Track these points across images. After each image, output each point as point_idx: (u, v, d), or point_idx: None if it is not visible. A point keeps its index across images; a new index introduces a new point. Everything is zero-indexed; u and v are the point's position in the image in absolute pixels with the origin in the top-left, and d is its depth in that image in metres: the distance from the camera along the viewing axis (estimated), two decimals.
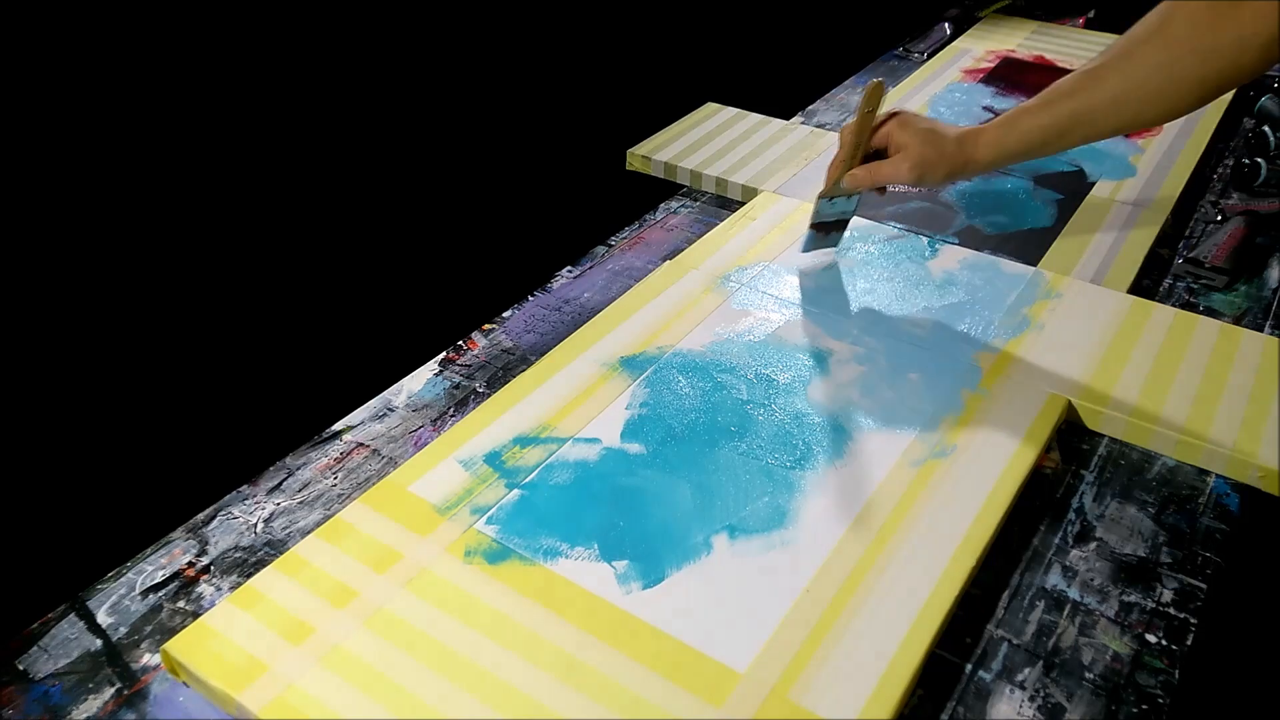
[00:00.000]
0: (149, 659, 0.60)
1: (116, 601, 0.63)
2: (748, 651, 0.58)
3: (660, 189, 1.14)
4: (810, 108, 1.34)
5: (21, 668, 0.59)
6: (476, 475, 0.70)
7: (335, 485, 0.73)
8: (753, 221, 1.02)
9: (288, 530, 0.69)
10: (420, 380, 0.83)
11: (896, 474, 0.70)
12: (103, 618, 0.62)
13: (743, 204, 1.07)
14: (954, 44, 1.51)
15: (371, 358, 0.89)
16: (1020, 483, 0.69)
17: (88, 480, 0.82)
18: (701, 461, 0.72)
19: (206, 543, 0.68)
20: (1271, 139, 1.15)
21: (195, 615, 0.62)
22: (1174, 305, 0.91)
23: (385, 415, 0.79)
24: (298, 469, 0.74)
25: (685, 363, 0.81)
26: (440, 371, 0.84)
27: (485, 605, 0.61)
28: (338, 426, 0.78)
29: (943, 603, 0.61)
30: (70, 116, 0.76)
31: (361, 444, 0.76)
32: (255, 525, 0.69)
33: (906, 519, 0.67)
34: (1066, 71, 1.41)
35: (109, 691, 0.58)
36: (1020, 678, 0.59)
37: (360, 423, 0.78)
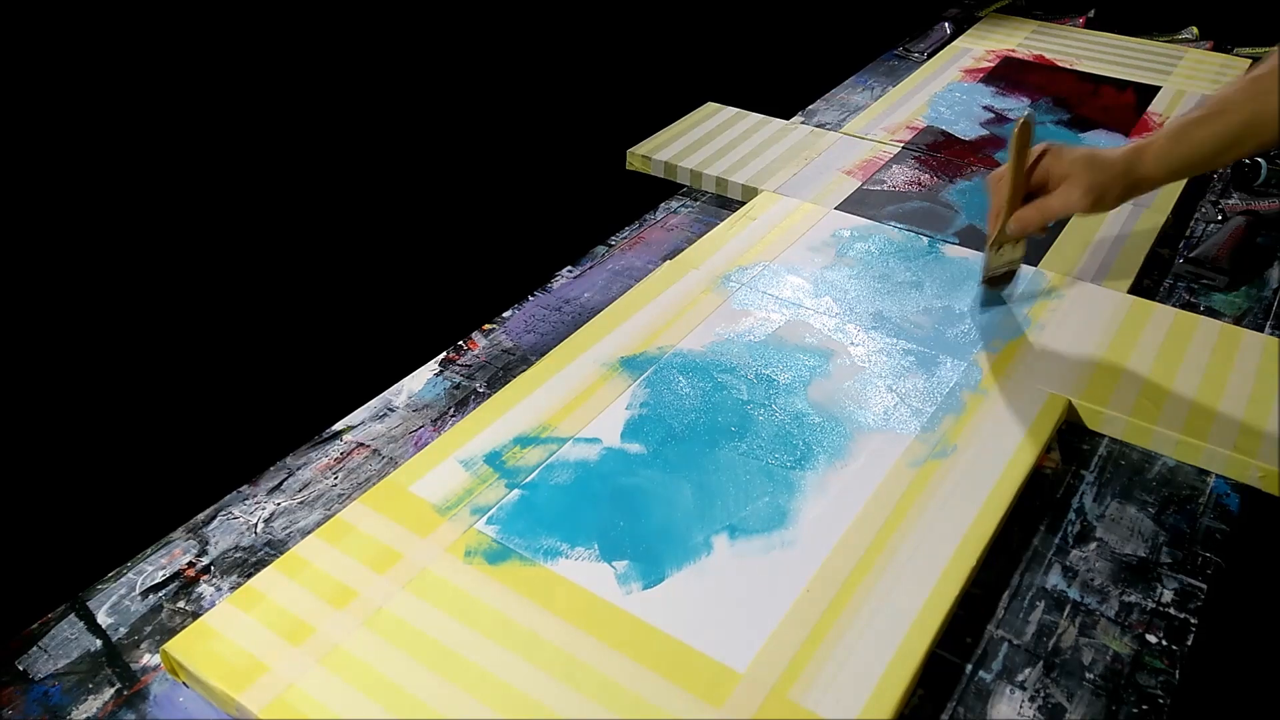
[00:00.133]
0: (149, 659, 0.60)
1: (116, 602, 0.63)
2: (748, 651, 0.58)
3: (660, 189, 1.14)
4: (810, 108, 1.34)
5: (21, 668, 0.59)
6: (477, 475, 0.70)
7: (335, 485, 0.73)
8: (753, 221, 1.02)
9: (288, 530, 0.69)
10: (420, 380, 0.83)
11: (896, 474, 0.70)
12: (103, 618, 0.62)
13: (743, 204, 1.07)
14: (954, 43, 1.51)
15: (371, 358, 0.89)
16: (1020, 483, 0.69)
17: (88, 480, 0.82)
18: (702, 461, 0.72)
19: (206, 543, 0.68)
20: None
21: (195, 615, 0.62)
22: (1174, 305, 0.91)
23: (385, 415, 0.79)
24: (298, 469, 0.74)
25: (685, 363, 0.81)
26: (440, 371, 0.84)
27: (485, 605, 0.61)
28: (338, 426, 0.78)
29: (943, 603, 0.61)
30: (70, 117, 0.76)
31: (361, 444, 0.76)
32: (255, 525, 0.69)
33: (906, 519, 0.67)
34: (1066, 71, 1.42)
35: (109, 692, 0.58)
36: (1020, 678, 0.59)
37: (360, 423, 0.78)
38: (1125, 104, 1.30)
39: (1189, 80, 1.36)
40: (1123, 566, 0.66)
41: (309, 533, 0.66)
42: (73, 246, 0.79)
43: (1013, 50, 1.48)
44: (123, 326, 0.84)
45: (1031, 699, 0.58)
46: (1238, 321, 0.89)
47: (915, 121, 1.25)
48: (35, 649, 0.60)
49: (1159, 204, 1.05)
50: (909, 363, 0.82)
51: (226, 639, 0.58)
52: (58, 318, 0.79)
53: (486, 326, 0.90)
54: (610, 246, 1.02)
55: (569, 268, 0.99)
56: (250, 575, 0.64)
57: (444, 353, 0.86)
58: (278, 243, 0.94)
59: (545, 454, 0.72)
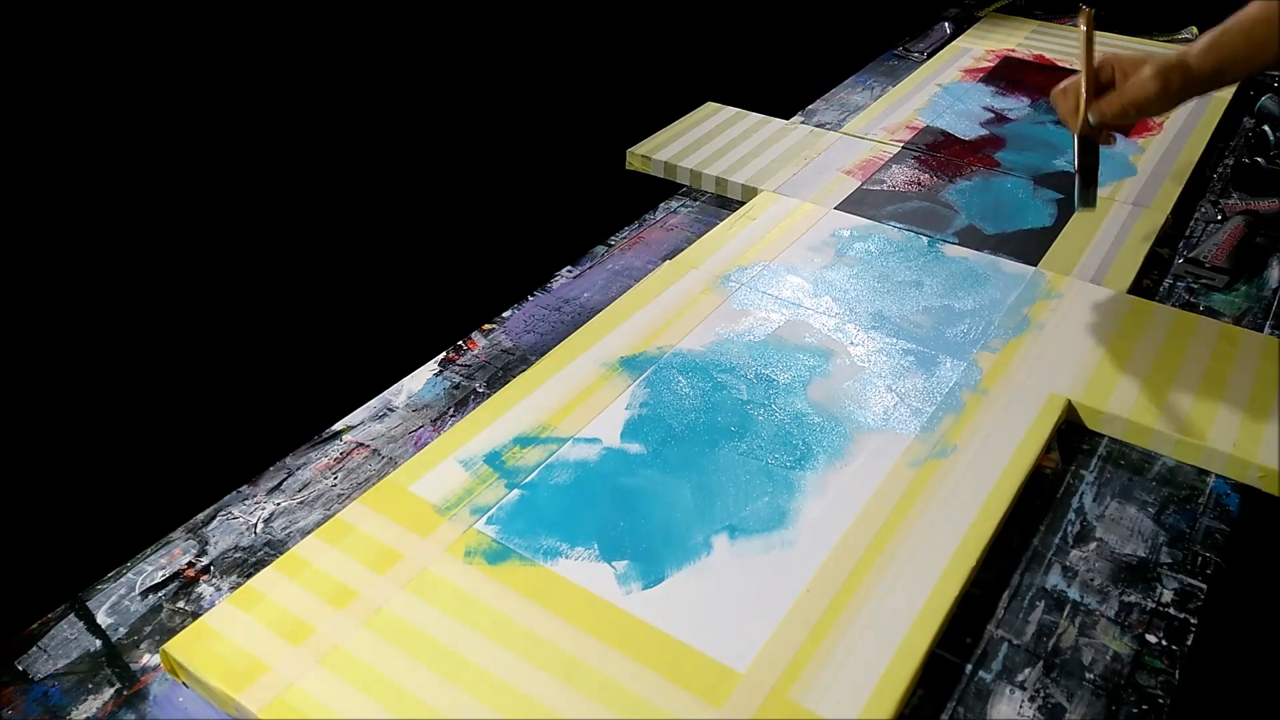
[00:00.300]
0: (149, 659, 0.60)
1: (116, 602, 0.63)
2: (748, 651, 0.58)
3: (660, 189, 1.14)
4: (810, 107, 1.34)
5: (21, 668, 0.59)
6: (476, 475, 0.70)
7: (335, 485, 0.73)
8: (753, 221, 1.02)
9: (288, 530, 0.69)
10: (420, 380, 0.83)
11: (896, 474, 0.70)
12: (102, 618, 0.62)
13: (743, 204, 1.07)
14: (954, 43, 1.51)
15: (371, 358, 0.89)
16: (1020, 483, 0.69)
17: (88, 480, 0.82)
18: (701, 462, 0.72)
19: (206, 543, 0.68)
20: (1271, 138, 1.15)
21: (195, 615, 0.62)
22: (1174, 305, 0.91)
23: (385, 415, 0.79)
24: (298, 469, 0.74)
25: (685, 363, 0.81)
26: (440, 371, 0.84)
27: (485, 605, 0.61)
28: (338, 426, 0.78)
29: (943, 603, 0.61)
30: (70, 117, 0.76)
31: (361, 444, 0.76)
32: (255, 525, 0.69)
33: (906, 519, 0.67)
34: (1067, 71, 1.42)
35: (108, 692, 0.58)
36: (1020, 678, 0.59)
37: (360, 423, 0.78)
38: None
39: None
40: (1122, 566, 0.66)
41: (309, 533, 0.66)
42: (73, 247, 0.79)
43: (1013, 50, 1.48)
44: (123, 327, 0.84)
45: (1031, 699, 0.58)
46: (1237, 321, 0.89)
47: (915, 121, 1.25)
48: (35, 649, 0.60)
49: (1159, 204, 1.05)
50: (909, 363, 0.82)
51: (226, 639, 0.58)
52: (58, 318, 0.79)
53: (486, 326, 0.90)
54: (610, 246, 1.02)
55: (569, 268, 0.99)
56: (250, 575, 0.64)
57: (444, 353, 0.86)
58: (278, 243, 0.94)
59: (545, 454, 0.72)
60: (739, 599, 0.61)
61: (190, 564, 0.66)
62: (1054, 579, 0.65)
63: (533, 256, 1.03)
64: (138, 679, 0.59)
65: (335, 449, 0.76)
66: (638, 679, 0.56)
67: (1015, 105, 1.30)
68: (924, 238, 0.99)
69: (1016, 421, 0.75)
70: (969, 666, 0.60)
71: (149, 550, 0.67)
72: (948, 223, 1.03)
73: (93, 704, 0.57)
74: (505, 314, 0.92)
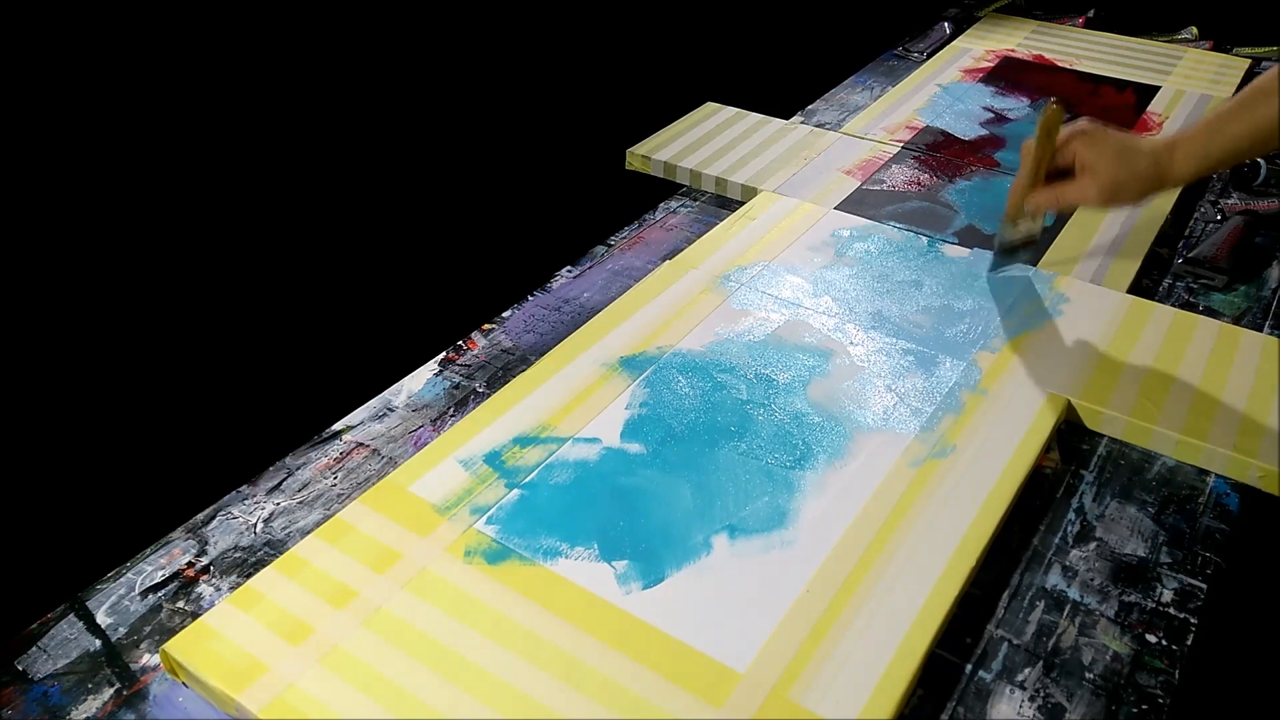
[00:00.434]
0: (148, 659, 0.60)
1: (116, 602, 0.63)
2: (748, 651, 0.58)
3: (660, 189, 1.14)
4: (810, 107, 1.34)
5: (21, 668, 0.59)
6: (476, 475, 0.70)
7: (335, 485, 0.73)
8: (752, 221, 1.02)
9: (287, 530, 0.69)
10: (420, 380, 0.83)
11: (896, 474, 0.70)
12: (102, 618, 0.62)
13: (742, 204, 1.07)
14: (954, 43, 1.51)
15: (371, 358, 0.89)
16: (1020, 483, 0.69)
17: (88, 480, 0.82)
18: (701, 461, 0.72)
19: (206, 543, 0.68)
20: None
21: (195, 615, 0.62)
22: (1174, 305, 0.91)
23: (385, 415, 0.79)
24: (298, 469, 0.74)
25: (685, 363, 0.81)
26: (440, 371, 0.84)
27: (485, 605, 0.61)
28: (338, 426, 0.78)
29: (943, 603, 0.61)
30: (70, 117, 0.76)
31: (361, 444, 0.76)
32: (255, 525, 0.69)
33: (906, 519, 0.67)
34: (1066, 71, 1.42)
35: (108, 692, 0.58)
36: (1020, 678, 0.59)
37: (360, 423, 0.78)
38: (1125, 104, 1.30)
39: (1188, 80, 1.36)
40: (1122, 566, 0.66)
41: (308, 533, 0.66)
42: (73, 247, 0.79)
43: (1012, 50, 1.48)
44: (122, 327, 0.84)
45: (1031, 699, 0.58)
46: (1237, 321, 0.89)
47: (915, 121, 1.25)
48: (35, 649, 0.60)
49: (1159, 203, 1.05)
50: (909, 363, 0.82)
51: (226, 639, 0.58)
52: (58, 318, 0.79)
53: (486, 326, 0.90)
54: (610, 246, 1.02)
55: (568, 268, 0.99)
56: (250, 575, 0.64)
57: (444, 353, 0.86)
58: (278, 243, 0.94)
59: (545, 454, 0.72)
60: (739, 599, 0.61)
61: (190, 564, 0.66)
62: (1054, 579, 0.65)
63: (533, 256, 1.03)
64: (138, 679, 0.59)
65: (335, 449, 0.76)
66: (638, 679, 0.56)
67: (1015, 105, 1.30)
68: (923, 237, 0.99)
69: (1016, 421, 0.75)
70: (969, 666, 0.60)
71: (149, 550, 0.67)
72: (947, 222, 1.03)
73: (93, 704, 0.57)
74: (505, 314, 0.92)
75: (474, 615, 0.60)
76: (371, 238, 1.04)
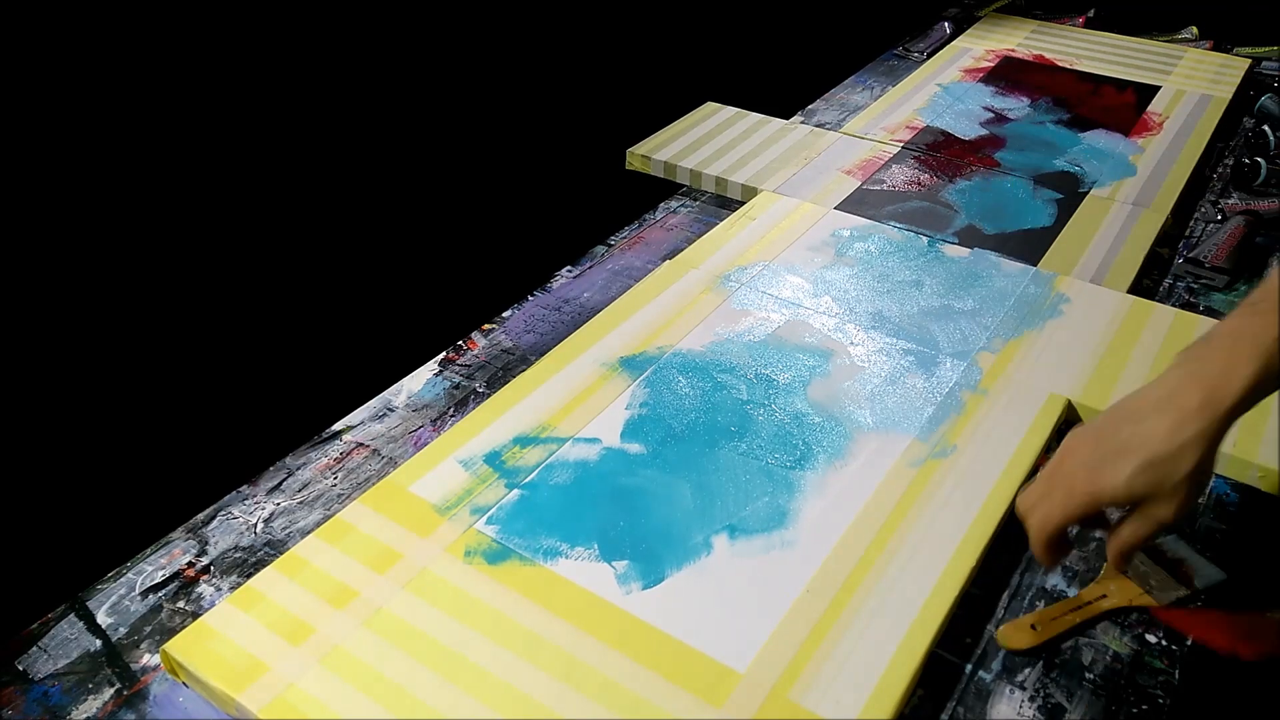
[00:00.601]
0: (149, 659, 0.60)
1: (116, 602, 0.63)
2: (748, 651, 0.58)
3: (660, 189, 1.14)
4: (810, 107, 1.34)
5: (21, 668, 0.59)
6: (476, 475, 0.70)
7: (335, 485, 0.73)
8: (753, 221, 1.02)
9: (288, 530, 0.69)
10: (420, 380, 0.83)
11: (896, 474, 0.70)
12: (102, 618, 0.62)
13: (743, 203, 1.07)
14: (954, 43, 1.51)
15: (371, 358, 0.89)
16: (1020, 483, 0.69)
17: (88, 480, 0.82)
18: (701, 462, 0.72)
19: (206, 543, 0.68)
20: (1271, 138, 1.15)
21: (195, 615, 0.62)
22: (1174, 305, 0.91)
23: (385, 415, 0.79)
24: (298, 469, 0.74)
25: (685, 363, 0.81)
26: (440, 371, 0.84)
27: (485, 605, 0.61)
28: (338, 426, 0.78)
29: (943, 603, 0.61)
30: (70, 117, 0.76)
31: (361, 444, 0.76)
32: (255, 525, 0.69)
33: (906, 519, 0.66)
34: (1066, 71, 1.42)
35: (109, 692, 0.58)
36: (1020, 678, 0.59)
37: (360, 423, 0.78)
38: (1125, 104, 1.30)
39: (1189, 80, 1.36)
40: None
41: (309, 533, 0.66)
42: (73, 247, 0.79)
43: (1012, 50, 1.48)
44: (122, 327, 0.84)
45: (1031, 699, 0.58)
46: None
47: (915, 121, 1.25)
48: (35, 649, 0.60)
49: (1159, 204, 1.05)
50: (909, 363, 0.82)
51: (226, 639, 0.58)
52: (58, 318, 0.79)
53: (486, 326, 0.90)
54: (610, 246, 1.02)
55: (569, 267, 0.99)
56: (250, 575, 0.64)
57: (444, 353, 0.86)
58: (278, 243, 0.94)
59: (545, 454, 0.72)
60: (739, 599, 0.61)
61: (190, 564, 0.66)
62: (1054, 579, 0.65)
63: (533, 256, 1.03)
64: (138, 679, 0.59)
65: (335, 449, 0.76)
66: (638, 679, 0.56)
67: (1015, 105, 1.30)
68: (924, 237, 0.99)
69: (1016, 421, 0.75)
70: (969, 666, 0.60)
71: (149, 550, 0.67)
72: (948, 223, 1.03)
73: (93, 704, 0.57)
74: (505, 314, 0.92)
75: (474, 615, 0.60)
76: (372, 238, 1.04)
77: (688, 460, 0.72)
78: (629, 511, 0.67)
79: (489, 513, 0.67)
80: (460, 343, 0.88)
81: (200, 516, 0.70)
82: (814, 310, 0.88)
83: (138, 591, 0.64)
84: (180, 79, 0.82)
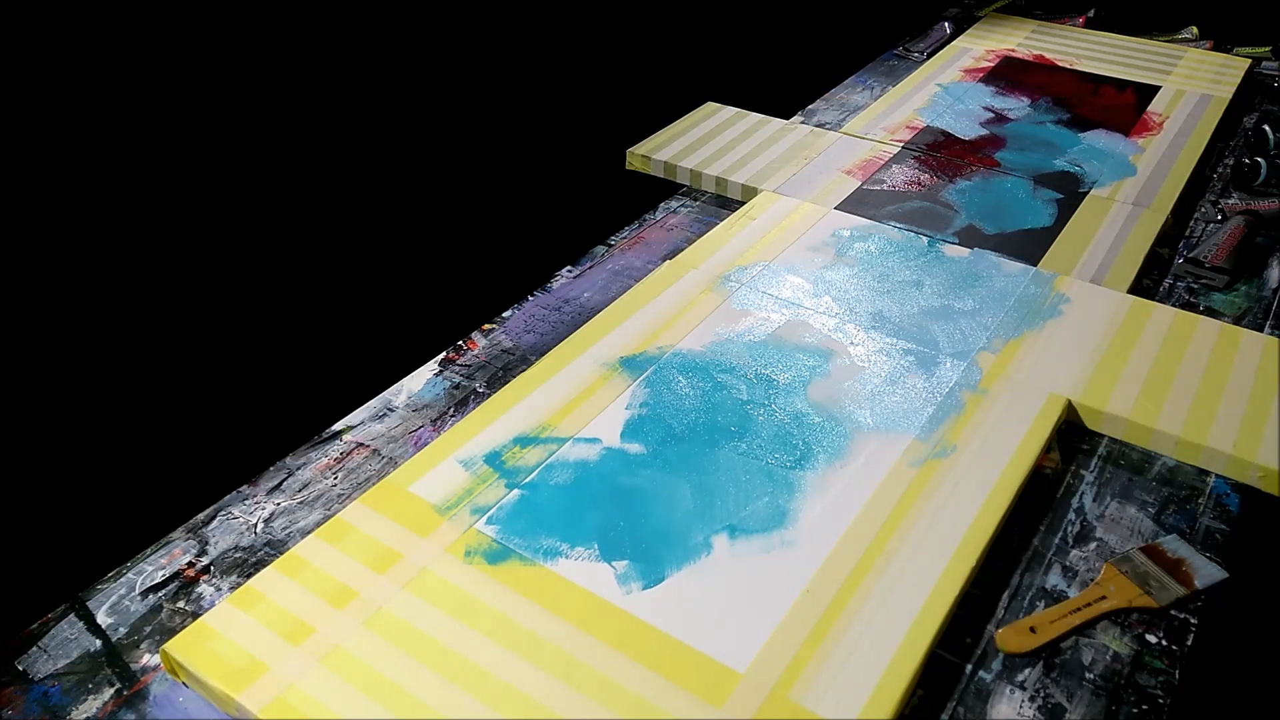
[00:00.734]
0: (149, 659, 0.60)
1: (116, 602, 0.63)
2: (748, 651, 0.58)
3: (660, 189, 1.14)
4: (810, 107, 1.34)
5: (21, 668, 0.59)
6: (476, 475, 0.70)
7: (335, 485, 0.73)
8: (753, 221, 1.02)
9: (288, 530, 0.69)
10: (420, 380, 0.83)
11: (896, 474, 0.70)
12: (102, 618, 0.62)
13: (743, 204, 1.07)
14: (954, 43, 1.51)
15: (371, 358, 0.89)
16: (1020, 483, 0.69)
17: (88, 480, 0.82)
18: (701, 462, 0.72)
19: (206, 543, 0.68)
20: (1271, 138, 1.15)
21: (195, 615, 0.62)
22: (1174, 305, 0.91)
23: (385, 415, 0.79)
24: (298, 469, 0.74)
25: (685, 363, 0.81)
26: (440, 371, 0.84)
27: (485, 605, 0.61)
28: (338, 426, 0.78)
29: (943, 603, 0.61)
30: (71, 118, 0.76)
31: (361, 444, 0.76)
32: (255, 525, 0.69)
33: (906, 519, 0.66)
34: (1066, 71, 1.42)
35: (108, 692, 0.58)
36: (1020, 678, 0.59)
37: (360, 423, 0.78)
38: (1125, 104, 1.30)
39: (1189, 80, 1.36)
40: None
41: (309, 533, 0.66)
42: (73, 248, 0.79)
43: (1013, 50, 1.48)
44: (123, 327, 0.84)
45: (1031, 699, 0.58)
46: (1237, 321, 0.89)
47: (915, 121, 1.25)
48: (35, 649, 0.60)
49: (1159, 204, 1.05)
50: (909, 363, 0.82)
51: (226, 639, 0.58)
52: (58, 318, 0.79)
53: (486, 326, 0.90)
54: (610, 246, 1.02)
55: (569, 268, 0.99)
56: (250, 575, 0.64)
57: (444, 353, 0.86)
58: (278, 243, 0.94)
59: (545, 454, 0.72)
60: (739, 599, 0.61)
61: (190, 564, 0.66)
62: (1054, 579, 0.65)
63: (533, 256, 1.03)
64: (138, 679, 0.59)
65: (335, 449, 0.76)
66: (638, 679, 0.56)
67: (1015, 105, 1.30)
68: (924, 237, 0.99)
69: (1016, 421, 0.75)
70: (969, 666, 0.60)
71: (149, 550, 0.67)
72: (947, 222, 1.03)
73: (93, 704, 0.57)
74: (505, 314, 0.92)
75: (474, 615, 0.60)
76: (372, 238, 1.04)
77: (688, 460, 0.72)
78: (629, 511, 0.67)
79: (489, 513, 0.67)
80: (460, 343, 0.88)
81: (200, 516, 0.70)
82: (814, 310, 0.88)
83: (138, 591, 0.64)
84: (181, 81, 0.82)
